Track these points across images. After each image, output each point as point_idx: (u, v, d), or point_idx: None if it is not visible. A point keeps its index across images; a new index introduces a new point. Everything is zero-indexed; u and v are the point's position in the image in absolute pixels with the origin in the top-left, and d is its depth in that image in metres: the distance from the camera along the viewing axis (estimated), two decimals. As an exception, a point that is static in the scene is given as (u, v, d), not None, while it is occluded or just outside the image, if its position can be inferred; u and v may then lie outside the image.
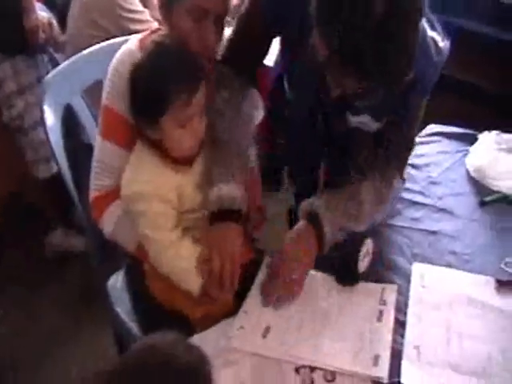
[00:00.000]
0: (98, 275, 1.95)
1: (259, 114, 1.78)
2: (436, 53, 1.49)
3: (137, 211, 1.51)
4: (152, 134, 1.48)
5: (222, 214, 1.50)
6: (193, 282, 1.49)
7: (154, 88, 1.42)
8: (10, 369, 2.50)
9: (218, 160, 1.55)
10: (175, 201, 1.52)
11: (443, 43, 1.50)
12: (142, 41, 1.60)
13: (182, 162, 1.53)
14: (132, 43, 1.60)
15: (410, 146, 1.70)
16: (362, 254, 1.54)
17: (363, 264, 1.56)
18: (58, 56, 2.78)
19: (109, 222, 1.62)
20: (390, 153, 1.63)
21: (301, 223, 1.57)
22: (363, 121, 1.59)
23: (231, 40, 1.68)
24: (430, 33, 1.48)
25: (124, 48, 1.60)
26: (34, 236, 3.09)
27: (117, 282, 1.90)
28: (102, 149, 1.62)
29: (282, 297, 1.49)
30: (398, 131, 1.61)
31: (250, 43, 1.66)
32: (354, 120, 1.60)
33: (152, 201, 1.48)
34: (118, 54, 1.60)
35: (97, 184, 1.64)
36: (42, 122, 1.80)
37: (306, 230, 1.55)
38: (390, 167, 1.66)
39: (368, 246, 1.57)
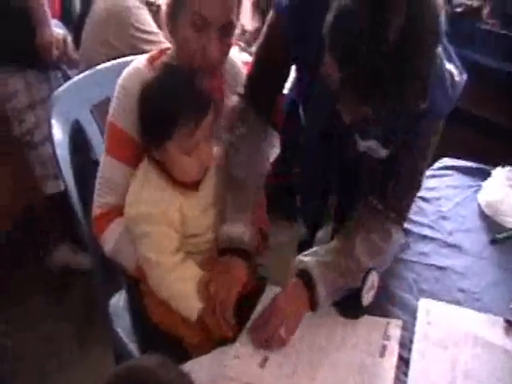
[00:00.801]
0: (102, 294, 1.93)
1: (275, 152, 1.77)
2: (452, 86, 1.45)
3: (140, 232, 1.49)
4: (157, 156, 1.48)
5: (231, 250, 1.51)
6: (191, 308, 1.46)
7: (161, 112, 1.41)
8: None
9: (233, 201, 1.56)
10: (179, 224, 1.50)
11: (459, 77, 1.47)
12: (150, 60, 1.61)
13: (187, 186, 1.51)
14: (140, 62, 1.61)
15: (416, 184, 1.64)
16: (366, 287, 1.50)
17: (368, 297, 1.52)
18: (71, 73, 2.78)
19: (110, 239, 1.60)
20: (398, 190, 1.59)
21: (293, 281, 1.51)
22: (371, 146, 1.55)
23: (252, 73, 1.68)
24: (448, 65, 1.45)
25: (132, 66, 1.61)
26: (42, 251, 3.09)
27: (119, 301, 1.90)
28: (106, 165, 1.62)
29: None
30: (407, 163, 1.57)
31: (271, 70, 1.65)
32: (363, 144, 1.56)
33: (157, 223, 1.47)
34: (125, 72, 1.60)
35: (100, 201, 1.63)
36: (50, 136, 1.79)
37: (297, 289, 1.49)
38: (390, 217, 1.60)
39: (373, 278, 1.52)
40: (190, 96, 1.42)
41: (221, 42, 1.53)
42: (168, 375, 0.87)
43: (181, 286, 1.48)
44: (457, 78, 1.46)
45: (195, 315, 1.45)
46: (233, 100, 1.69)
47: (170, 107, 1.40)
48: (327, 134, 1.65)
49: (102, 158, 1.63)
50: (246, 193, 1.59)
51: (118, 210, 1.57)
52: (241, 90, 1.68)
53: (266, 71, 1.65)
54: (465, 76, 1.49)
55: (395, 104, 1.22)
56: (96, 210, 1.63)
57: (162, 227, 1.47)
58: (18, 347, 2.64)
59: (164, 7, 1.57)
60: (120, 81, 1.59)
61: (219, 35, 1.51)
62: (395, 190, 1.58)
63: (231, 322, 1.43)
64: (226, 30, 1.53)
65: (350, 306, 1.53)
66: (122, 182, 1.57)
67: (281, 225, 1.91)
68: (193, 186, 1.52)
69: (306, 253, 1.55)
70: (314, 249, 1.57)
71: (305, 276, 1.49)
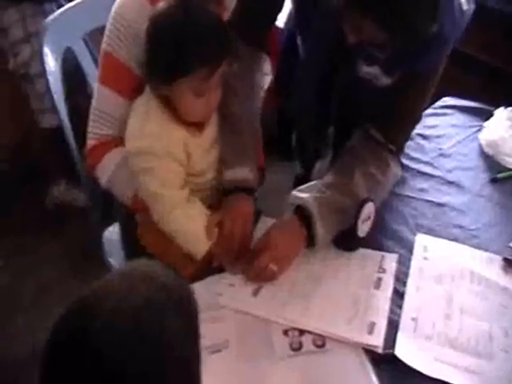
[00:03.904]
0: (97, 229, 1.94)
1: (268, 79, 1.74)
2: (460, 13, 1.42)
3: (143, 167, 1.44)
4: (164, 91, 1.40)
5: (236, 191, 1.52)
6: (199, 245, 1.45)
7: (175, 52, 1.32)
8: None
9: (232, 142, 1.55)
10: (184, 159, 1.46)
11: (467, 6, 1.44)
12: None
13: (191, 124, 1.46)
14: None
15: (417, 117, 1.63)
16: (362, 217, 1.47)
17: (363, 228, 1.49)
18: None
19: (105, 170, 1.58)
20: (398, 122, 1.58)
21: (290, 216, 1.50)
22: (372, 72, 1.52)
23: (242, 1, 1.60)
24: None
25: None
26: (37, 187, 3.10)
27: (112, 234, 1.90)
28: (101, 96, 1.57)
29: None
30: (410, 93, 1.54)
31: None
32: (366, 70, 1.53)
33: (161, 157, 1.41)
34: (119, 0, 1.53)
35: (94, 132, 1.59)
36: (41, 63, 1.75)
37: (294, 226, 1.47)
38: (389, 149, 1.59)
39: (369, 209, 1.50)
40: (215, 36, 1.34)
41: None
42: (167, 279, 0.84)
43: (190, 223, 1.45)
44: (465, 7, 1.43)
45: (202, 254, 1.44)
46: None
47: (188, 46, 1.31)
48: (329, 60, 1.61)
49: (96, 87, 1.58)
50: (244, 132, 1.57)
51: (113, 141, 1.55)
52: (230, 16, 1.60)
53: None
54: (473, 5, 1.45)
55: (402, 22, 1.19)
56: (90, 142, 1.60)
57: (166, 161, 1.42)
58: (15, 282, 2.69)
59: None
60: (115, 8, 1.53)
61: None
62: (396, 121, 1.57)
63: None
64: None
65: (345, 237, 1.51)
66: (117, 114, 1.54)
67: (277, 164, 1.88)
68: (197, 125, 1.48)
69: (301, 187, 1.53)
70: (311, 183, 1.55)
71: (303, 213, 1.47)
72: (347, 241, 1.51)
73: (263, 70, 1.70)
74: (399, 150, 1.64)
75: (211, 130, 1.52)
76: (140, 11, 1.46)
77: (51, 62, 1.76)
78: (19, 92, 2.86)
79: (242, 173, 1.53)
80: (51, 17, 1.81)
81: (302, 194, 1.50)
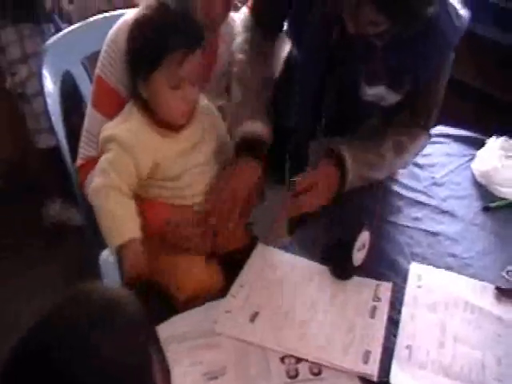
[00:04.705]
0: (94, 250, 1.93)
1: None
2: (457, 17, 1.49)
3: (106, 150, 1.47)
4: (143, 91, 1.45)
5: (247, 146, 1.57)
6: (122, 231, 1.42)
7: (150, 40, 1.40)
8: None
9: (244, 101, 1.63)
10: (147, 166, 1.47)
11: (463, 11, 1.51)
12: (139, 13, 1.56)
13: (168, 127, 1.49)
14: (130, 15, 1.57)
15: (439, 103, 1.70)
16: (357, 246, 1.49)
17: (359, 256, 1.51)
18: (64, 26, 2.73)
19: (90, 188, 1.56)
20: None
21: (324, 161, 1.59)
22: (378, 93, 1.57)
23: None
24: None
25: (121, 20, 1.58)
26: (33, 206, 3.09)
27: (109, 256, 1.87)
28: (92, 118, 1.61)
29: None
30: (421, 99, 1.65)
31: None
32: (368, 92, 1.57)
33: (124, 151, 1.44)
34: (114, 26, 1.58)
35: (83, 153, 1.62)
36: (40, 86, 1.76)
37: (329, 168, 1.57)
38: (419, 123, 1.70)
39: (364, 238, 1.51)
40: (182, 26, 1.41)
41: (224, 2, 1.52)
42: (127, 308, 0.86)
43: (120, 208, 1.44)
44: (460, 12, 1.50)
45: (121, 241, 1.41)
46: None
47: (160, 35, 1.39)
48: (327, 67, 1.64)
49: (88, 110, 1.62)
50: (256, 92, 1.64)
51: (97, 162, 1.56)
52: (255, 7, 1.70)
53: None
54: (468, 12, 1.51)
55: (400, 3, 1.26)
56: (79, 161, 1.63)
57: (126, 156, 1.44)
58: (9, 301, 2.66)
59: None
60: (109, 34, 1.58)
61: None
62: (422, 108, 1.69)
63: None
64: None
65: (341, 266, 1.52)
66: None
67: (271, 187, 1.89)
68: (174, 128, 1.50)
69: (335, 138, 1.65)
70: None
71: (338, 157, 1.58)
72: (342, 269, 1.52)
73: (280, 49, 1.77)
74: (429, 122, 1.73)
75: (189, 134, 1.53)
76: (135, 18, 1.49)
77: (50, 85, 1.78)
78: (17, 111, 2.88)
79: (252, 125, 1.58)
80: (51, 40, 1.83)
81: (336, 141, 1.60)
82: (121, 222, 1.43)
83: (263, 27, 1.71)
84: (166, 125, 1.48)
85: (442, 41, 1.51)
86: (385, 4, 1.26)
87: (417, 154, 1.82)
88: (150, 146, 1.46)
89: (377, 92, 1.56)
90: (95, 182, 1.46)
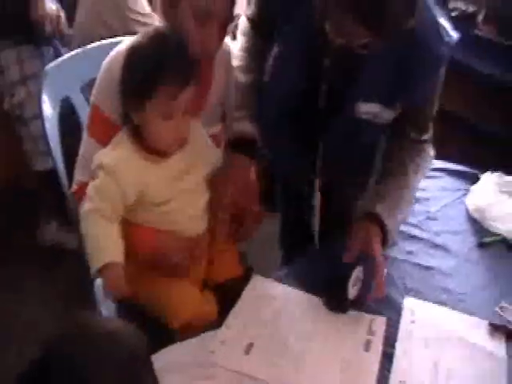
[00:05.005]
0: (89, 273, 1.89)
1: None
2: (446, 34, 1.52)
3: (95, 177, 1.47)
4: (135, 118, 1.45)
5: (237, 145, 1.63)
6: (102, 255, 1.42)
7: (145, 74, 1.40)
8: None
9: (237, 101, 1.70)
10: (134, 193, 1.47)
11: (452, 31, 1.53)
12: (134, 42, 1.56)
13: (158, 154, 1.49)
14: (124, 45, 1.56)
15: (434, 110, 1.71)
16: (351, 281, 1.50)
17: (353, 291, 1.52)
18: (63, 50, 2.74)
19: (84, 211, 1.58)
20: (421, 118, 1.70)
21: (366, 224, 1.58)
22: (372, 110, 1.58)
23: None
24: (441, 20, 1.52)
25: (116, 49, 1.57)
26: (28, 228, 3.07)
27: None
28: (87, 145, 1.60)
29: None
30: (418, 114, 1.67)
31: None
32: (364, 109, 1.58)
33: (110, 175, 1.44)
34: (110, 54, 1.58)
35: (78, 179, 1.62)
36: (39, 111, 1.76)
37: (371, 230, 1.56)
38: (425, 140, 1.73)
39: (358, 273, 1.53)
40: (178, 60, 1.41)
41: (220, 32, 1.52)
42: (128, 340, 0.87)
43: (102, 233, 1.44)
44: (450, 31, 1.52)
45: (101, 264, 1.41)
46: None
47: (155, 66, 1.39)
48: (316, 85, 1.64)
49: (84, 136, 1.62)
50: (248, 94, 1.70)
51: None
52: (249, 12, 1.75)
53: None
54: (457, 33, 1.53)
55: (381, 16, 1.27)
56: (74, 187, 1.63)
57: (112, 182, 1.44)
58: (3, 324, 2.64)
59: None
60: (104, 63, 1.57)
61: (219, 27, 1.50)
62: (422, 119, 1.70)
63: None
64: (226, 21, 1.52)
65: (336, 300, 1.53)
66: None
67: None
68: (164, 155, 1.50)
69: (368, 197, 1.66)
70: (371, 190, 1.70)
71: (373, 217, 1.57)
72: (338, 303, 1.53)
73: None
74: (431, 134, 1.74)
75: (180, 160, 1.53)
76: (131, 44, 1.49)
77: (49, 109, 1.77)
78: (14, 132, 2.87)
79: (243, 125, 1.64)
80: (51, 65, 1.83)
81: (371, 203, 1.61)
82: (102, 245, 1.43)
83: (258, 30, 1.75)
84: (156, 151, 1.49)
85: (429, 55, 1.52)
86: (363, 16, 1.27)
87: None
88: (137, 173, 1.46)
89: (371, 109, 1.58)
90: (83, 207, 1.47)
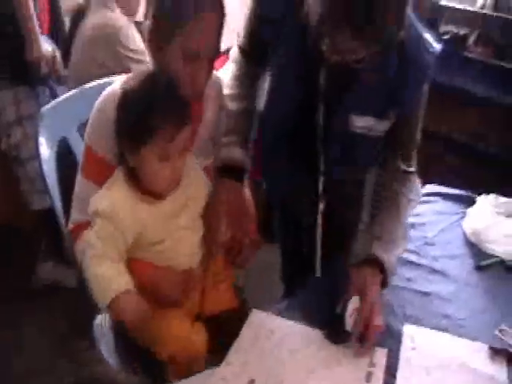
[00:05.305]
0: (87, 312, 1.87)
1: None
2: (430, 46, 1.57)
3: (93, 224, 1.48)
4: (131, 160, 1.46)
5: (225, 170, 1.64)
6: (108, 292, 1.42)
7: (140, 118, 1.40)
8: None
9: (227, 127, 1.71)
10: (132, 232, 1.48)
11: (434, 42, 1.59)
12: (126, 83, 1.57)
13: (153, 195, 1.50)
14: (115, 86, 1.58)
15: (418, 135, 1.74)
16: (348, 312, 1.52)
17: (350, 322, 1.52)
18: (59, 89, 2.77)
19: (78, 250, 1.59)
20: (409, 145, 1.73)
21: (367, 269, 1.59)
22: (366, 124, 1.62)
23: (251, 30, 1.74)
24: (424, 34, 1.58)
25: (108, 89, 1.58)
26: (24, 267, 3.06)
27: (102, 320, 1.84)
28: (81, 185, 1.61)
29: None
30: (406, 129, 1.69)
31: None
32: (358, 124, 1.62)
33: (108, 220, 1.45)
34: (101, 95, 1.58)
35: (74, 218, 1.63)
36: (37, 153, 1.78)
37: (375, 276, 1.58)
38: (411, 171, 1.75)
39: (354, 304, 1.53)
40: (172, 106, 1.42)
41: (208, 67, 1.54)
42: None
43: (109, 270, 1.44)
44: (432, 43, 1.58)
45: (108, 300, 1.41)
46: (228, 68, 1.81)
47: (149, 114, 1.39)
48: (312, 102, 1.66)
49: (78, 177, 1.63)
50: (238, 120, 1.73)
51: (87, 226, 1.56)
52: (240, 41, 1.78)
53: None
54: (440, 45, 1.59)
55: (373, 30, 1.31)
56: (70, 225, 1.63)
57: (111, 228, 1.45)
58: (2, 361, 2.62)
59: (147, 34, 1.55)
60: (97, 103, 1.58)
61: (208, 62, 1.52)
62: (409, 146, 1.74)
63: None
64: (214, 56, 1.54)
65: (334, 331, 1.54)
66: None
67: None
68: (159, 196, 1.51)
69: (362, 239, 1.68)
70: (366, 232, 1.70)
71: (377, 263, 1.59)
72: (336, 334, 1.53)
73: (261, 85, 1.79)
74: (414, 164, 1.76)
75: (175, 199, 1.53)
76: (124, 88, 1.50)
77: (46, 151, 1.78)
78: (11, 172, 2.88)
79: (233, 152, 1.66)
80: (47, 106, 1.84)
81: (368, 246, 1.62)
82: (113, 279, 1.43)
83: (249, 58, 1.78)
84: (151, 192, 1.49)
85: (417, 64, 1.57)
86: (359, 30, 1.31)
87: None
88: (134, 215, 1.47)
89: (365, 123, 1.62)
90: (86, 256, 1.47)
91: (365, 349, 1.50)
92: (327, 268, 1.82)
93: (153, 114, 1.39)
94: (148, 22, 1.53)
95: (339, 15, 1.30)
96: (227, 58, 1.84)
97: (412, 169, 1.74)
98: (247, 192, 1.70)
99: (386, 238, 1.63)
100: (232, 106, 1.74)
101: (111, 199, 1.47)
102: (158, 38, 1.51)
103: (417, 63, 1.56)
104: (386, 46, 1.38)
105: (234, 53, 1.82)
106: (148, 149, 1.41)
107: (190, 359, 1.49)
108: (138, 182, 1.48)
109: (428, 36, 1.58)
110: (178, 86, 1.46)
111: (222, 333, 1.54)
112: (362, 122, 1.62)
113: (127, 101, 1.44)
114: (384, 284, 1.59)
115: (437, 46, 1.57)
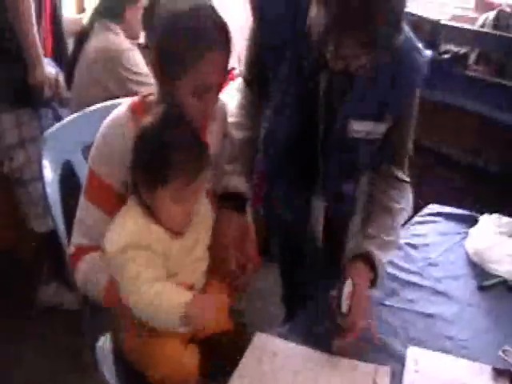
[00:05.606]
0: (89, 334, 1.90)
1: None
2: (422, 51, 1.63)
3: (125, 259, 1.43)
4: (146, 198, 1.45)
5: (228, 199, 1.66)
6: (176, 305, 1.41)
7: (158, 161, 1.38)
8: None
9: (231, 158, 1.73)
10: (160, 252, 1.46)
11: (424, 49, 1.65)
12: (130, 107, 1.58)
13: (171, 231, 1.49)
14: (120, 110, 1.58)
15: (409, 150, 1.77)
16: (344, 295, 1.54)
17: (345, 305, 1.54)
18: (62, 111, 2.78)
19: (79, 272, 1.59)
20: (403, 153, 1.77)
21: (360, 266, 1.61)
22: (364, 129, 1.65)
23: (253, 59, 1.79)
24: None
25: (112, 114, 1.58)
26: (26, 290, 3.05)
27: (105, 342, 1.85)
28: (84, 209, 1.61)
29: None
30: (397, 131, 1.71)
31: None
32: (354, 128, 1.64)
33: (143, 249, 1.43)
34: (106, 120, 1.58)
35: (75, 242, 1.62)
36: (40, 176, 1.79)
37: (366, 274, 1.61)
38: (404, 179, 1.77)
39: (349, 289, 1.55)
40: (192, 148, 1.41)
41: (217, 98, 1.55)
42: None
43: (164, 287, 1.43)
44: (422, 50, 1.64)
45: (178, 324, 1.41)
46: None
47: (167, 158, 1.38)
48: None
49: (81, 200, 1.62)
50: (242, 149, 1.75)
51: (89, 249, 1.58)
52: (242, 72, 1.82)
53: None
54: (428, 53, 1.69)
55: (376, 37, 1.34)
56: (71, 248, 1.63)
57: (147, 253, 1.43)
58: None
59: (156, 69, 1.53)
60: (102, 128, 1.57)
61: (217, 94, 1.53)
62: (403, 154, 1.77)
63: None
64: (222, 86, 1.54)
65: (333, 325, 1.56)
66: (96, 226, 1.55)
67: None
68: (178, 232, 1.50)
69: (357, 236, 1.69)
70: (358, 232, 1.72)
71: (368, 259, 1.61)
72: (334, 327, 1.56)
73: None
74: (407, 171, 1.79)
75: (192, 234, 1.53)
76: (123, 132, 1.51)
77: (49, 174, 1.78)
78: (13, 196, 2.87)
79: (237, 182, 1.68)
80: (50, 130, 1.85)
81: (361, 243, 1.64)
82: (177, 292, 1.43)
83: (252, 87, 1.81)
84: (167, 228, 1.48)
85: (412, 67, 1.61)
86: (363, 36, 1.34)
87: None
88: (158, 237, 1.45)
89: (364, 127, 1.65)
90: (137, 288, 1.42)
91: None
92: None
93: (169, 163, 1.38)
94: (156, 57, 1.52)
95: (345, 23, 1.33)
96: (229, 78, 1.87)
97: (405, 178, 1.77)
98: (249, 218, 1.71)
99: (379, 237, 1.65)
100: (237, 134, 1.75)
101: (135, 229, 1.45)
102: (168, 75, 1.50)
103: (412, 64, 1.61)
104: (385, 49, 1.41)
105: (238, 81, 1.84)
106: (163, 191, 1.40)
107: (181, 382, 1.48)
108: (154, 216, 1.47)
109: (417, 43, 1.63)
110: (190, 121, 1.45)
111: (216, 355, 1.53)
112: (361, 127, 1.65)
113: (146, 141, 1.42)
114: (373, 283, 1.61)
115: (427, 52, 1.62)
